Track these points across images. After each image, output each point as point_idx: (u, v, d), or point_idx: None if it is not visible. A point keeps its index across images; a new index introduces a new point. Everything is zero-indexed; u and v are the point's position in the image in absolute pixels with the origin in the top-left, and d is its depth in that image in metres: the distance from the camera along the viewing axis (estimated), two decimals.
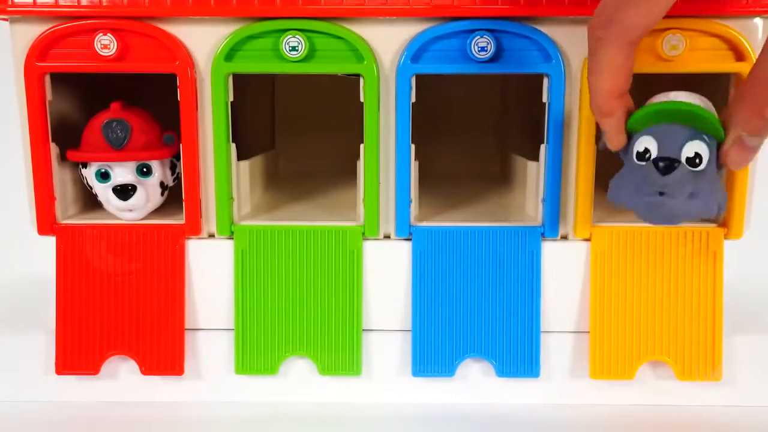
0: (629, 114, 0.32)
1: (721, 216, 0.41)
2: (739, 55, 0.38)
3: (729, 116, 0.30)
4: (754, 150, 0.30)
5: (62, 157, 0.42)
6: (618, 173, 0.33)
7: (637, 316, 0.41)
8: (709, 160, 0.31)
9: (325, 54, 0.39)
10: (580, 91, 0.39)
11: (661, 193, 0.31)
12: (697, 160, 0.31)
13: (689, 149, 0.31)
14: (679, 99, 0.31)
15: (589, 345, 0.41)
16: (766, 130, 0.28)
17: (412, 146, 0.40)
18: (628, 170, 0.32)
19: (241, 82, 0.42)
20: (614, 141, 0.32)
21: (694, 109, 0.30)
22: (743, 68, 0.38)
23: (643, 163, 0.31)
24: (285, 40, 0.38)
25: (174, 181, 0.43)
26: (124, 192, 0.41)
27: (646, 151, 0.31)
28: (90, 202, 0.45)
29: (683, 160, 0.31)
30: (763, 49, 0.27)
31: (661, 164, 0.30)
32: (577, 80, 0.39)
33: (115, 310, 0.42)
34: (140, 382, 0.43)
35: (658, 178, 0.31)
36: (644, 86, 0.61)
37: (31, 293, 0.52)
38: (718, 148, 0.31)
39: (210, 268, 0.42)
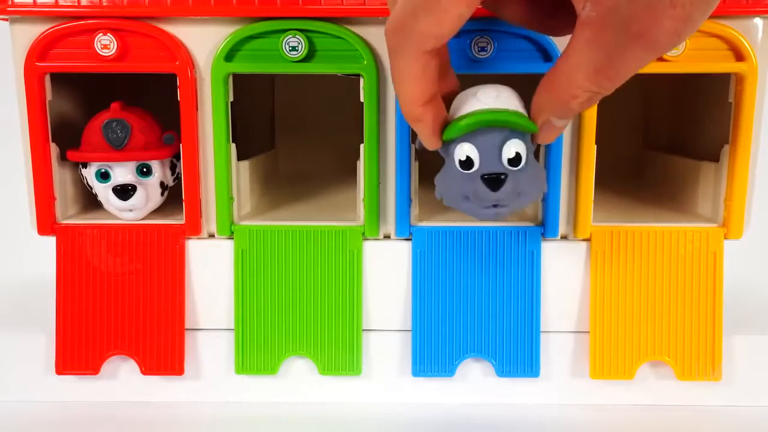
0: (442, 118, 0.31)
1: (721, 216, 0.41)
2: (739, 55, 0.38)
3: (538, 103, 0.30)
4: (562, 128, 0.31)
5: (62, 157, 0.42)
6: (443, 173, 0.33)
7: (637, 316, 0.41)
8: (527, 154, 0.31)
9: (325, 54, 0.39)
10: None
11: (495, 205, 0.32)
12: (518, 159, 0.31)
13: (509, 151, 0.31)
14: (488, 100, 0.31)
15: (589, 345, 0.41)
16: (573, 114, 0.29)
17: (412, 146, 0.40)
18: (453, 175, 0.32)
19: (241, 82, 0.42)
20: (429, 144, 0.32)
21: (505, 117, 0.30)
22: (743, 68, 0.38)
23: (469, 172, 0.31)
24: (285, 40, 0.38)
25: (174, 181, 0.43)
26: (124, 192, 0.41)
27: (469, 160, 0.31)
28: (90, 202, 0.45)
29: (505, 162, 0.31)
30: (568, 46, 0.27)
31: (490, 181, 0.31)
32: None
33: (115, 310, 0.42)
34: (140, 382, 0.43)
35: (489, 193, 0.31)
36: (645, 86, 0.61)
37: (31, 293, 0.52)
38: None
39: (210, 268, 0.42)
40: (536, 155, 0.33)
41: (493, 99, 0.31)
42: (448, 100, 0.32)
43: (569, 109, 0.29)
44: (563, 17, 0.30)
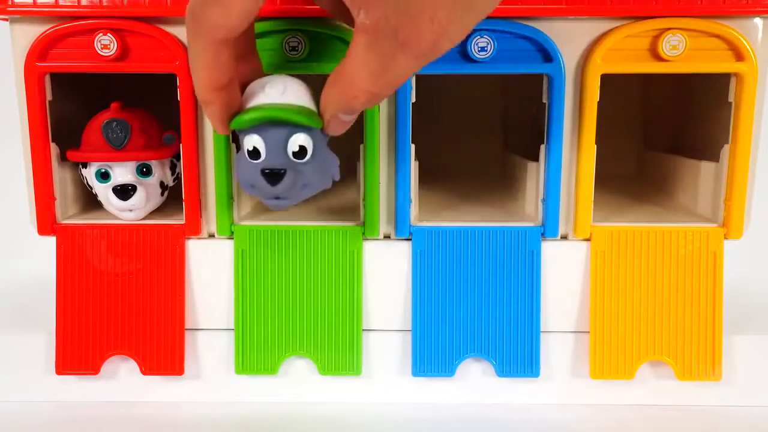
0: (233, 106, 0.32)
1: (721, 216, 0.41)
2: (739, 55, 0.38)
3: (325, 99, 0.31)
4: (350, 122, 0.32)
5: (62, 157, 0.42)
6: (238, 157, 0.34)
7: (637, 316, 0.41)
8: (314, 146, 0.32)
9: (325, 54, 0.39)
10: (581, 91, 0.39)
11: (277, 197, 0.33)
12: (303, 153, 0.32)
13: (293, 144, 0.32)
14: (274, 94, 0.32)
15: (589, 345, 0.41)
16: (358, 111, 0.31)
17: (412, 146, 0.40)
18: (244, 163, 0.33)
19: None
20: (218, 129, 0.32)
21: (287, 115, 0.31)
22: (743, 68, 0.38)
23: (255, 162, 0.32)
24: (285, 40, 0.38)
25: (174, 181, 0.43)
26: (124, 192, 0.41)
27: (256, 151, 0.32)
28: (90, 202, 0.45)
29: (290, 155, 0.32)
30: (350, 47, 0.28)
31: (269, 175, 0.32)
32: (577, 80, 0.39)
33: (115, 310, 0.42)
34: (140, 382, 0.43)
35: (268, 187, 0.32)
36: (645, 86, 0.61)
37: (31, 293, 0.52)
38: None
39: (210, 268, 0.42)
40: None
41: (279, 94, 0.32)
42: (248, 82, 0.33)
43: (353, 107, 0.30)
44: None
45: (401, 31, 0.26)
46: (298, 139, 0.32)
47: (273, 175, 0.32)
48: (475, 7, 0.26)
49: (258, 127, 0.32)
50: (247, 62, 0.33)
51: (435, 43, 0.26)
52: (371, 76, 0.28)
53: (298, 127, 0.31)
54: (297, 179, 0.32)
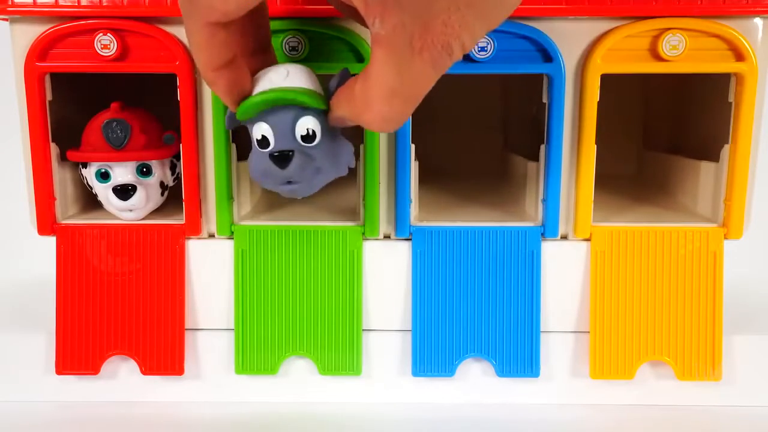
0: (240, 87, 0.31)
1: (721, 216, 0.41)
2: (739, 55, 0.38)
3: (338, 105, 0.31)
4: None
5: (62, 157, 0.42)
6: (251, 153, 0.33)
7: (637, 316, 0.41)
8: (323, 130, 0.32)
9: (325, 54, 0.39)
10: (581, 91, 0.39)
11: (289, 182, 0.32)
12: (312, 136, 0.32)
13: (301, 128, 0.31)
14: (277, 79, 0.31)
15: (589, 345, 0.41)
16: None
17: (412, 146, 0.40)
18: (255, 153, 0.33)
19: None
20: (231, 109, 0.32)
21: (289, 95, 0.31)
22: (743, 68, 0.38)
23: (266, 150, 0.32)
24: (285, 40, 0.38)
25: (174, 181, 0.43)
26: (124, 192, 0.41)
27: (265, 139, 0.32)
28: (90, 202, 0.45)
29: (299, 139, 0.31)
30: (368, 65, 0.28)
31: (276, 159, 0.32)
32: (577, 80, 0.39)
33: (115, 310, 0.42)
34: (140, 382, 0.43)
35: (278, 171, 0.32)
36: (645, 86, 0.61)
37: (31, 293, 0.52)
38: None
39: (210, 268, 0.42)
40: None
41: (282, 78, 0.31)
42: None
43: (362, 122, 0.30)
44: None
45: (416, 37, 0.26)
46: (306, 123, 0.31)
47: (281, 158, 0.31)
48: (488, 15, 0.26)
49: (264, 114, 0.31)
50: (264, 52, 0.33)
51: (447, 46, 0.26)
52: (388, 95, 0.27)
53: (304, 110, 0.31)
54: (307, 162, 0.32)
